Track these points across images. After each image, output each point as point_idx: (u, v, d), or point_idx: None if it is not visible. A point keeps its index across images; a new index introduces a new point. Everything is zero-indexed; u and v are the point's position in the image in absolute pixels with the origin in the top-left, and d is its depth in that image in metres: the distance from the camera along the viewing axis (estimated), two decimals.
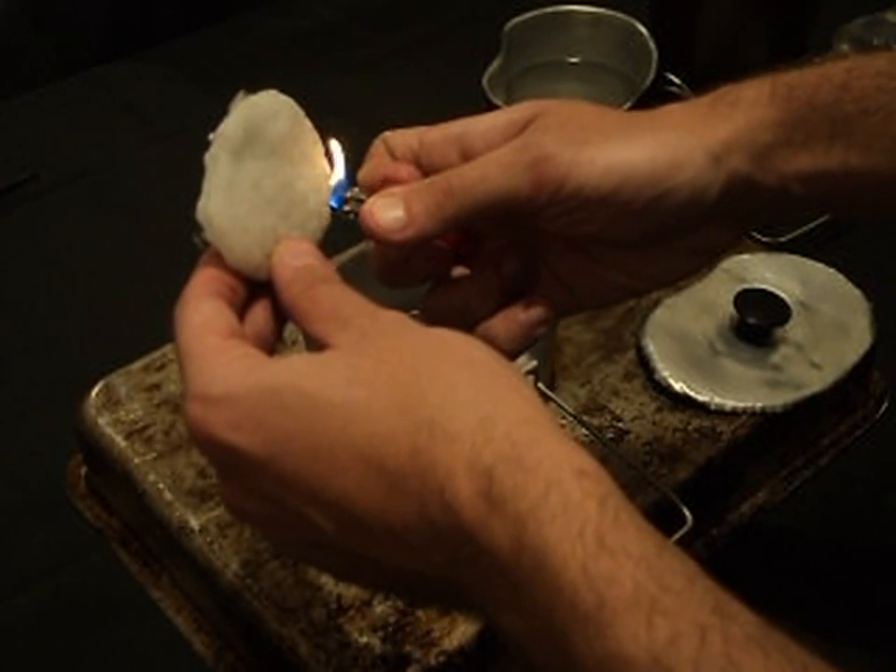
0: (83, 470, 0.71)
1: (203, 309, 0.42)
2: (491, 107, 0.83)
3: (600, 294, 0.51)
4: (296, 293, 0.42)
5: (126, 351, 0.71)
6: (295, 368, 0.39)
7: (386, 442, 0.37)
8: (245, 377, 0.39)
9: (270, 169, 0.43)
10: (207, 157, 0.42)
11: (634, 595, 0.32)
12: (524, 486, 0.34)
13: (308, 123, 0.45)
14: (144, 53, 1.11)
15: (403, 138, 0.48)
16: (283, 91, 0.44)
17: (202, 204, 0.42)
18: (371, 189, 0.47)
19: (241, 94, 0.43)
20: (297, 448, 0.38)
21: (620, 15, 0.91)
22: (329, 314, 0.41)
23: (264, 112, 0.43)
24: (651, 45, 0.87)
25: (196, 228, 0.43)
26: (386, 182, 0.47)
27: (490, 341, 0.43)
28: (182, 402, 0.40)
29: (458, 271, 0.50)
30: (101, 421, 0.66)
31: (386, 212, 0.45)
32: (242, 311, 0.43)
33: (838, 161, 0.46)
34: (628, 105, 0.82)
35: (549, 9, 0.92)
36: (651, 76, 0.85)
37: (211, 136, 0.42)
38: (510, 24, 0.90)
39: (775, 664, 0.31)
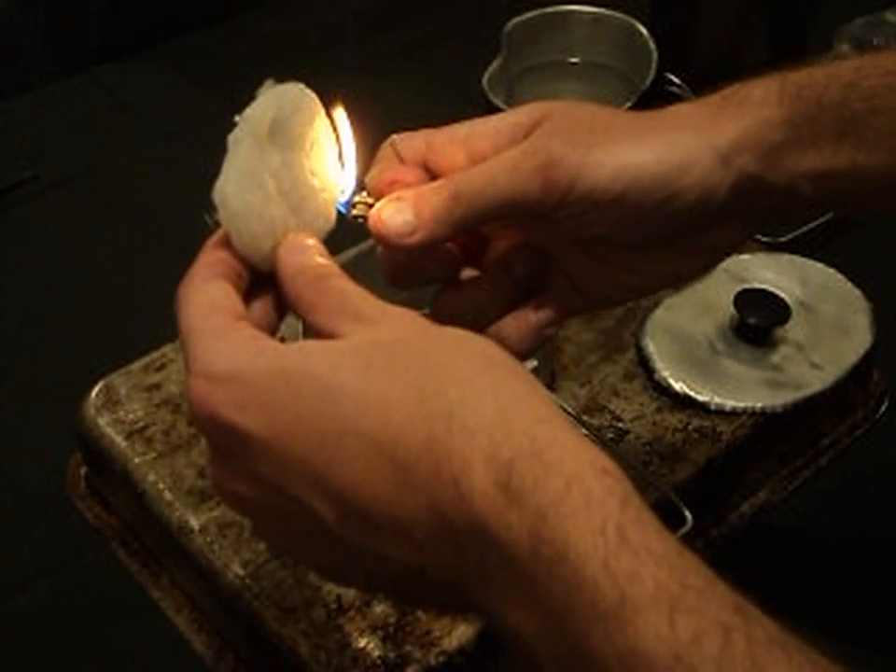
0: (83, 470, 0.71)
1: (210, 289, 0.41)
2: (491, 107, 0.83)
3: (609, 294, 0.51)
4: (302, 285, 0.42)
5: (126, 351, 0.71)
6: (307, 352, 0.39)
7: (401, 432, 0.36)
8: (255, 358, 0.38)
9: (288, 161, 0.43)
10: (231, 138, 0.42)
11: (655, 592, 0.32)
12: (544, 480, 0.34)
13: (327, 122, 0.45)
14: (144, 53, 1.11)
15: (411, 141, 0.48)
16: None
17: (219, 184, 0.42)
18: (379, 193, 0.47)
19: (269, 82, 0.43)
20: (304, 433, 0.37)
21: (620, 15, 0.91)
22: (337, 306, 0.40)
23: (291, 103, 0.43)
24: (651, 45, 0.87)
25: (209, 207, 0.42)
26: (394, 186, 0.47)
27: (500, 342, 0.42)
28: (185, 378, 0.39)
29: (468, 272, 0.50)
30: (101, 421, 0.66)
31: (396, 216, 0.45)
32: (244, 301, 0.43)
33: (847, 159, 0.46)
34: (628, 104, 0.82)
35: (549, 9, 0.92)
36: (651, 76, 0.86)
37: (237, 118, 0.42)
38: (510, 24, 0.90)
39: (797, 665, 0.31)
